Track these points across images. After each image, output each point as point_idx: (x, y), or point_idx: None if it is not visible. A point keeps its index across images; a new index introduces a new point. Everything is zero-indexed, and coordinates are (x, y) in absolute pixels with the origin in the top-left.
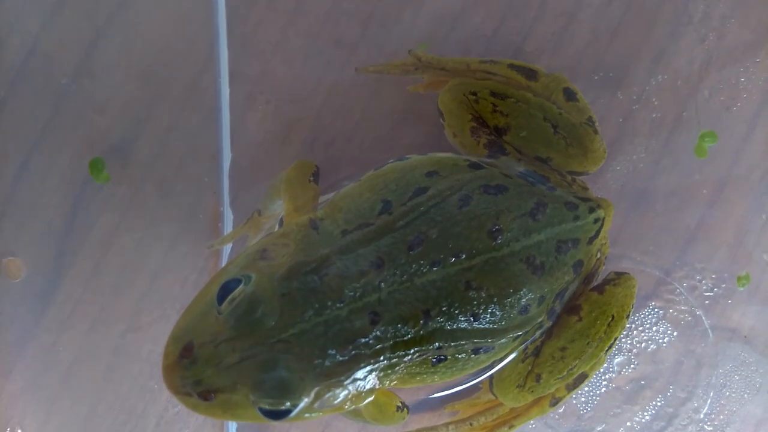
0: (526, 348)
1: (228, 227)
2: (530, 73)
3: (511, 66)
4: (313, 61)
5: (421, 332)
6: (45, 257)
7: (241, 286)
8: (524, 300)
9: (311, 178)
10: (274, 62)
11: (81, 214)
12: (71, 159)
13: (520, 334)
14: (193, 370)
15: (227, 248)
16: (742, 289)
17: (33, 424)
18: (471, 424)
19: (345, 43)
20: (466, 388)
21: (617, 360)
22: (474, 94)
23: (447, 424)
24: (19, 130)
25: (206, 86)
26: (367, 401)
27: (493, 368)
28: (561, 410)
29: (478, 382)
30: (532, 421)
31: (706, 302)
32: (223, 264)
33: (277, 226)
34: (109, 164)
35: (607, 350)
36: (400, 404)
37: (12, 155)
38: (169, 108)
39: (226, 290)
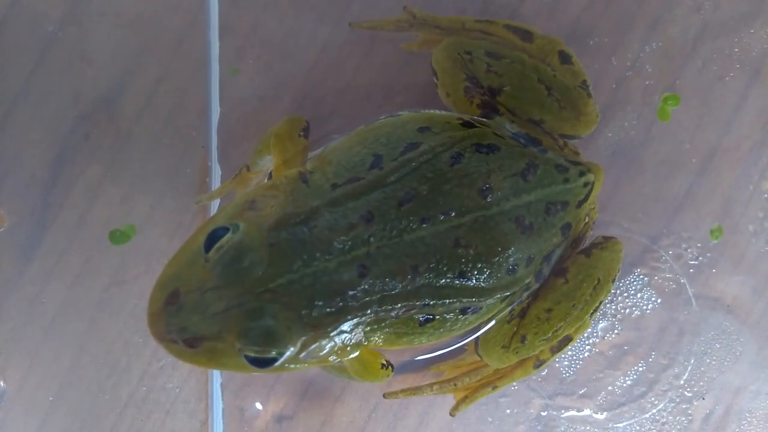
0: (512, 309)
1: (216, 182)
2: (526, 35)
3: (507, 27)
4: (306, 16)
5: (409, 287)
6: (29, 208)
7: (228, 234)
8: (512, 259)
9: (301, 133)
10: (265, 16)
11: (66, 165)
12: (57, 108)
13: (508, 295)
14: (179, 317)
15: (215, 203)
16: (715, 241)
17: (15, 375)
18: (455, 385)
19: None
20: (452, 349)
21: (601, 325)
22: (469, 53)
23: (431, 385)
24: (3, 78)
25: (196, 39)
26: (352, 356)
27: (479, 330)
28: (544, 373)
29: (464, 345)
30: (515, 383)
31: (691, 271)
32: None
33: (265, 180)
34: (95, 115)
35: (592, 314)
36: (384, 362)
37: None
38: (158, 60)
39: (213, 238)
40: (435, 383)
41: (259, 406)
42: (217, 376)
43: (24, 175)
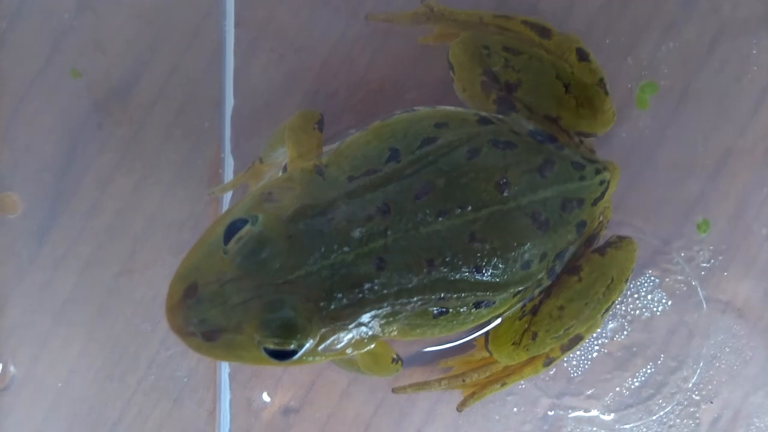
0: (524, 306)
1: (228, 174)
2: (543, 31)
3: (525, 22)
4: (321, 9)
5: (425, 281)
6: (42, 195)
7: (247, 226)
8: (527, 255)
9: (315, 126)
10: (280, 9)
11: (79, 153)
12: (71, 96)
13: (521, 290)
14: (198, 310)
15: (227, 195)
16: (703, 235)
17: (25, 360)
18: (463, 381)
19: None
20: (461, 344)
21: (611, 326)
22: (486, 47)
23: (440, 380)
24: (17, 65)
25: (211, 30)
26: (367, 348)
27: (488, 325)
28: (552, 372)
29: (473, 339)
30: (522, 382)
31: (703, 273)
32: (222, 211)
33: (280, 174)
34: (109, 105)
35: (604, 313)
36: (395, 356)
37: (10, 89)
38: (173, 50)
39: (232, 229)
40: (443, 378)
41: (266, 397)
42: (225, 366)
43: (37, 162)
